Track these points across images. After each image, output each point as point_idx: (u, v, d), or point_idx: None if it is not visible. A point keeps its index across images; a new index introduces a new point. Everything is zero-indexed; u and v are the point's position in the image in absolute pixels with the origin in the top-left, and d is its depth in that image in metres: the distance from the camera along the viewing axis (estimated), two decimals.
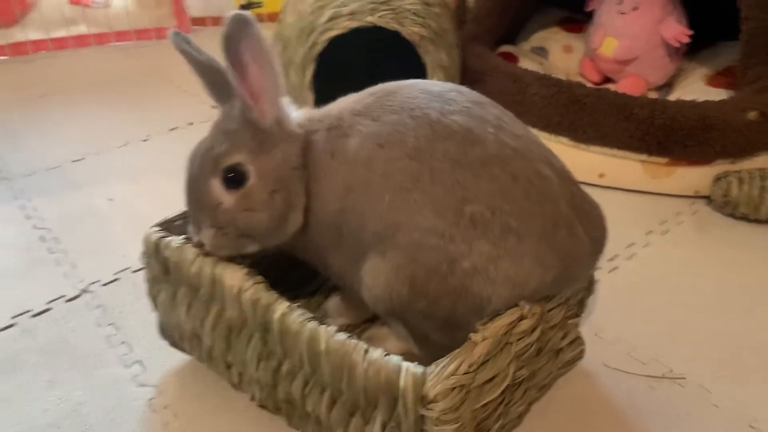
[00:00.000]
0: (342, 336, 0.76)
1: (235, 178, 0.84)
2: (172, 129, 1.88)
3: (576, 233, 0.81)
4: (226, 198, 0.85)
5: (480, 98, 0.87)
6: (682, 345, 1.07)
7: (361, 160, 0.82)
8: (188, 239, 0.92)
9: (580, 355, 1.01)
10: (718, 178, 1.44)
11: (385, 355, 0.72)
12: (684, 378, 1.01)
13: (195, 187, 0.87)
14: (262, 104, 0.84)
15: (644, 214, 1.44)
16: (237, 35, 0.79)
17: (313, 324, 0.78)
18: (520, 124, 0.86)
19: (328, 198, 0.85)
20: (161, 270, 0.94)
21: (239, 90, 0.83)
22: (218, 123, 0.88)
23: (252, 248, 0.89)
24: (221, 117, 0.88)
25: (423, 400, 0.70)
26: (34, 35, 2.40)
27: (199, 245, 0.88)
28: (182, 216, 1.00)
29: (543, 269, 0.78)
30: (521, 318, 0.78)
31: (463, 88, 0.88)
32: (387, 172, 0.80)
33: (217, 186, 0.85)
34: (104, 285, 1.24)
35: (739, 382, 1.01)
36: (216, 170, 0.85)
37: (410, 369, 0.70)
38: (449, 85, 0.88)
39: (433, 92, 0.85)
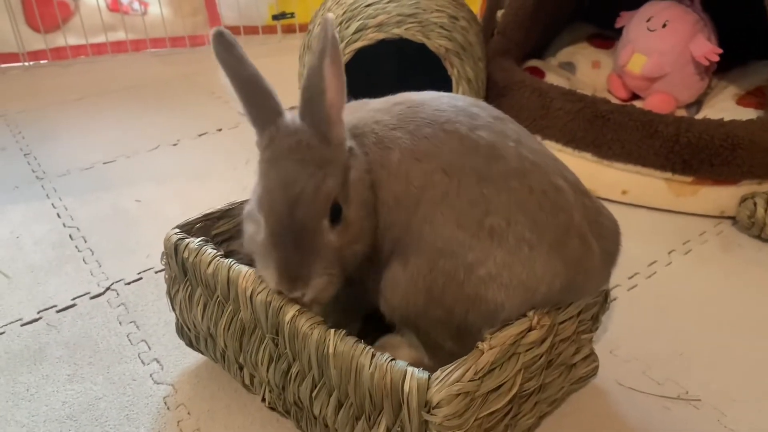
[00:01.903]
0: (350, 339, 0.77)
1: (336, 211, 0.78)
2: (202, 134, 1.91)
3: (588, 243, 0.82)
4: (333, 236, 0.79)
5: (499, 113, 0.89)
6: (698, 366, 1.06)
7: (402, 173, 0.82)
8: (206, 241, 0.95)
9: (593, 372, 1.00)
10: (744, 199, 1.42)
11: (392, 360, 0.73)
12: (699, 400, 0.99)
13: (304, 235, 0.77)
14: (340, 121, 0.80)
15: (667, 233, 1.42)
16: (334, 45, 0.74)
17: (322, 327, 0.79)
18: (535, 138, 0.88)
19: (381, 211, 0.84)
20: (180, 271, 0.97)
21: (323, 109, 0.77)
22: (290, 154, 0.78)
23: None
24: (292, 147, 0.78)
25: (427, 405, 0.70)
26: (74, 40, 2.47)
27: (300, 300, 0.81)
28: (203, 219, 1.03)
29: (552, 275, 0.79)
30: (530, 329, 0.78)
31: (482, 103, 0.90)
32: (423, 185, 0.81)
33: (327, 226, 0.78)
34: (128, 284, 1.27)
35: (755, 405, 0.99)
36: (325, 209, 0.78)
37: (415, 374, 0.71)
38: (470, 100, 0.90)
39: (459, 107, 0.86)
